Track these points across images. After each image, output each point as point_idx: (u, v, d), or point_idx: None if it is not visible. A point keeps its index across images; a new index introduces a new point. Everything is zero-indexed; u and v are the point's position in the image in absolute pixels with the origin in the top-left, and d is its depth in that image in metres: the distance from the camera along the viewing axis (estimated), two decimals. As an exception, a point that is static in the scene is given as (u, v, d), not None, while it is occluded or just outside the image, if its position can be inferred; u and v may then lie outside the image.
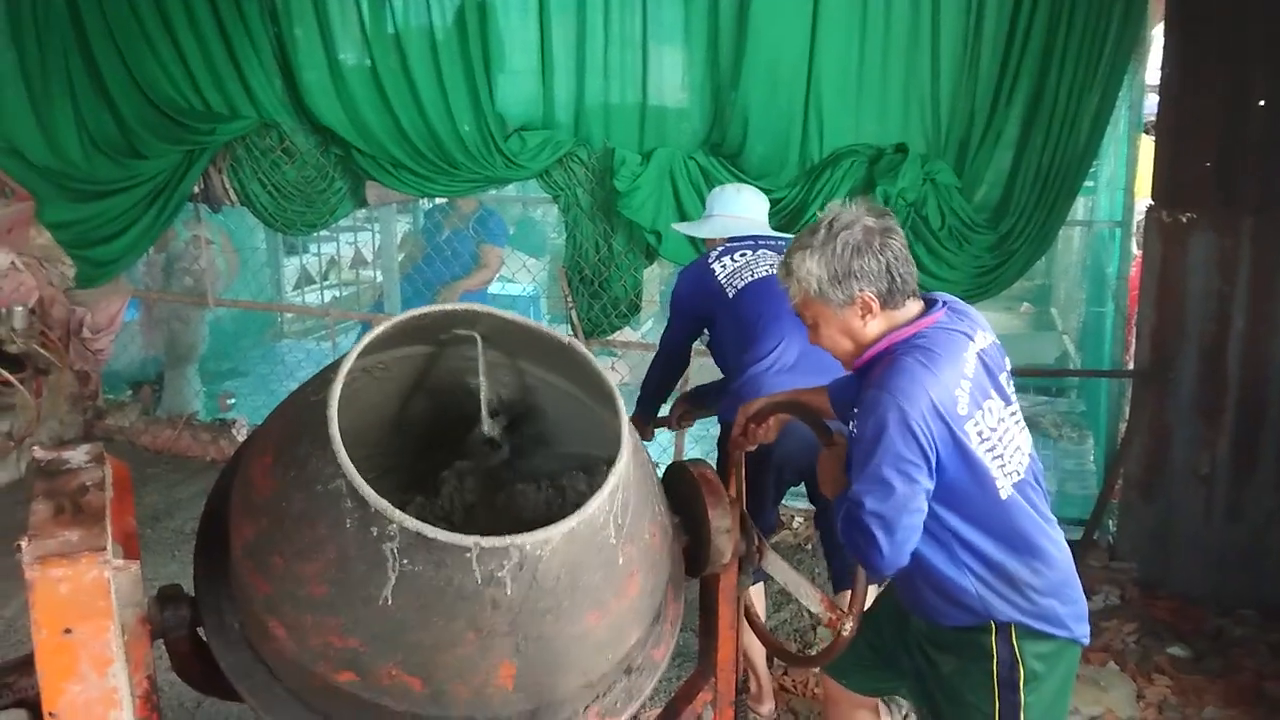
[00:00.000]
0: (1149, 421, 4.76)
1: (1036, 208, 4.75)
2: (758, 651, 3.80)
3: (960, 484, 2.33)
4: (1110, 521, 5.09)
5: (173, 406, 6.87)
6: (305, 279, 9.60)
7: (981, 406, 2.35)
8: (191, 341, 6.89)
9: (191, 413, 6.76)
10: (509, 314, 2.09)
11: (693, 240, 5.02)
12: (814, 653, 2.66)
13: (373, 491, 1.71)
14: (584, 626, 1.88)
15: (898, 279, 2.37)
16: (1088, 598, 4.66)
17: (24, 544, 1.79)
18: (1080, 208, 6.62)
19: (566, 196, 5.49)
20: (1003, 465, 2.37)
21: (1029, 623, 2.43)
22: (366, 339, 1.93)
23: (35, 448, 2.18)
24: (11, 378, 5.66)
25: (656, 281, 7.20)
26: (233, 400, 7.04)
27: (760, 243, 3.78)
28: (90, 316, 6.36)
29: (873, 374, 2.35)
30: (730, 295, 3.62)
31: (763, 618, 3.67)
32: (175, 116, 5.84)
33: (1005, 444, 2.39)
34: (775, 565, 2.63)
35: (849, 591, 2.57)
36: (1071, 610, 2.49)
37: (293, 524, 1.82)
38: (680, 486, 2.45)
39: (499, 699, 1.87)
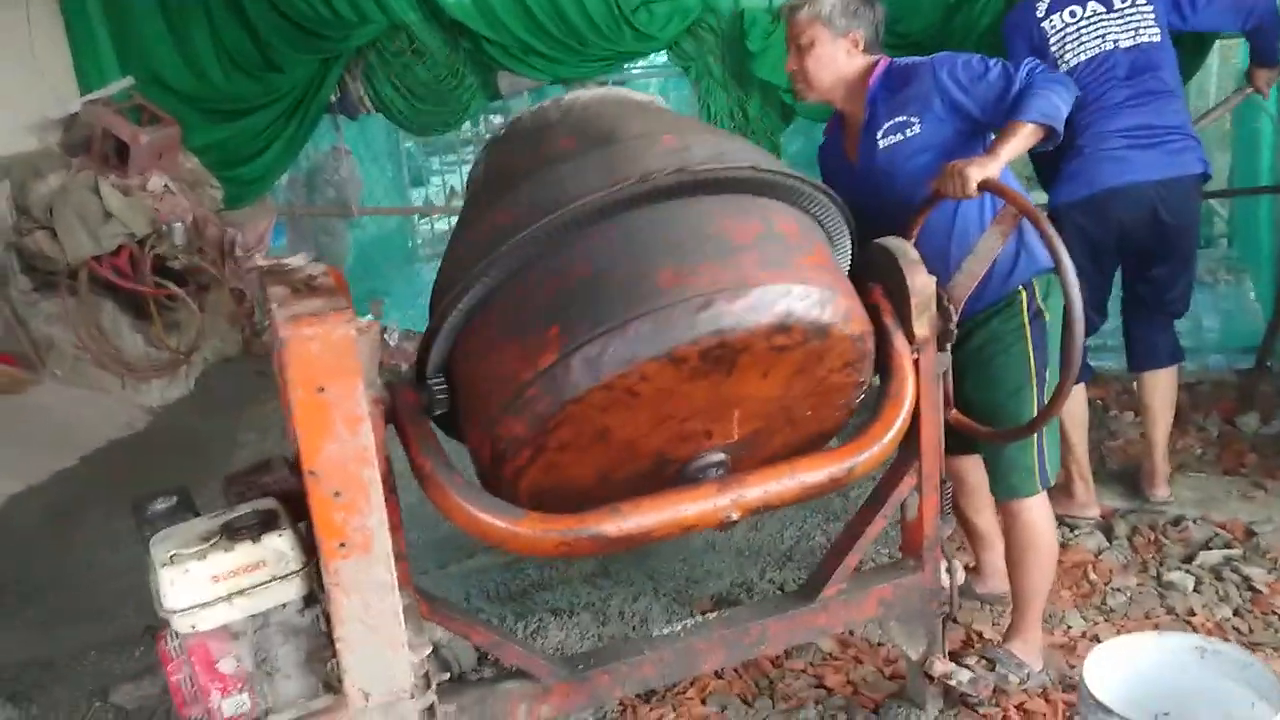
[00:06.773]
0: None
1: None
2: (1079, 449, 3.86)
3: None
4: (1283, 349, 4.90)
5: (325, 320, 7.01)
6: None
7: None
8: (340, 251, 7.07)
9: (344, 323, 6.90)
10: None
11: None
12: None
13: None
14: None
15: (879, 36, 2.94)
16: (1265, 424, 4.55)
17: (275, 307, 1.87)
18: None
19: (697, 66, 5.45)
20: None
21: (1040, 268, 2.82)
22: None
23: (257, 257, 2.27)
24: (179, 291, 5.87)
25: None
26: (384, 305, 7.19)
27: None
28: (241, 236, 6.56)
29: (910, 73, 2.82)
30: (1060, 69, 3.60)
31: None
32: (307, 26, 5.97)
33: None
34: None
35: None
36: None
37: None
38: (880, 259, 2.45)
39: None
